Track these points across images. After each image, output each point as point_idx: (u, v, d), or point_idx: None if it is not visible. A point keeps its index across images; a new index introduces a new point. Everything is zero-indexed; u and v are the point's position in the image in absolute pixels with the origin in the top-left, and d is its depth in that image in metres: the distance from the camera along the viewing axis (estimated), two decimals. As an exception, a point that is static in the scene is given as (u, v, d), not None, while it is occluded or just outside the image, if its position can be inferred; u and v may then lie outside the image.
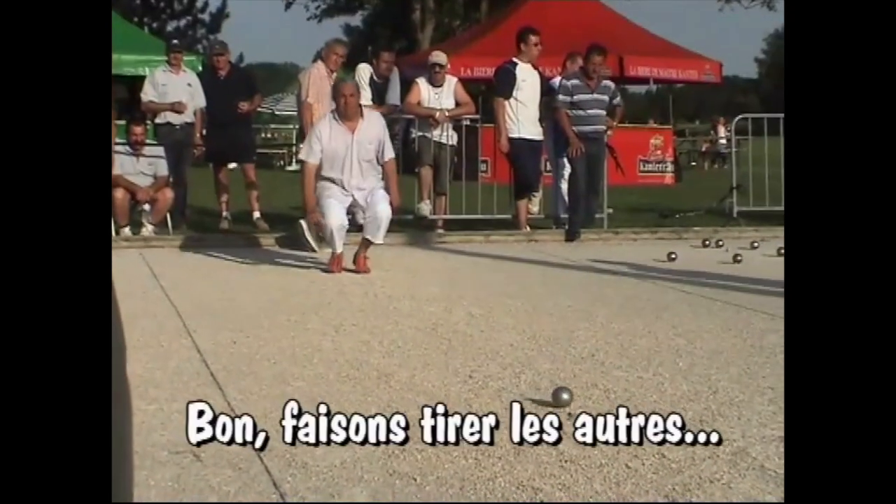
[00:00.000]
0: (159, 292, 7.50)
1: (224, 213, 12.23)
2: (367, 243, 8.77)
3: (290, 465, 3.61)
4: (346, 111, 8.72)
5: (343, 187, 8.73)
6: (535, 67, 11.97)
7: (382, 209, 8.67)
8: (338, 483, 3.36)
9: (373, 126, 8.91)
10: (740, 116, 14.96)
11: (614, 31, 21.54)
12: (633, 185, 18.94)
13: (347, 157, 8.71)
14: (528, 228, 12.00)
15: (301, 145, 10.28)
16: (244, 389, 4.71)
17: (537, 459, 3.70)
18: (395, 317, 6.67)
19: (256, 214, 12.12)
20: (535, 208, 12.79)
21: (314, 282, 8.25)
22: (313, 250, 8.96)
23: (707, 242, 11.05)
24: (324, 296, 7.54)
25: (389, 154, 9.03)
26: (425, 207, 11.85)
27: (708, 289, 7.89)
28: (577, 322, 6.46)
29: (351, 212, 8.77)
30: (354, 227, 8.89)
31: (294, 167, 25.77)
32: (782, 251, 10.02)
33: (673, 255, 9.61)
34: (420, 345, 5.77)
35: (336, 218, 8.51)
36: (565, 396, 4.39)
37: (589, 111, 11.55)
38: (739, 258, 9.54)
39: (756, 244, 10.86)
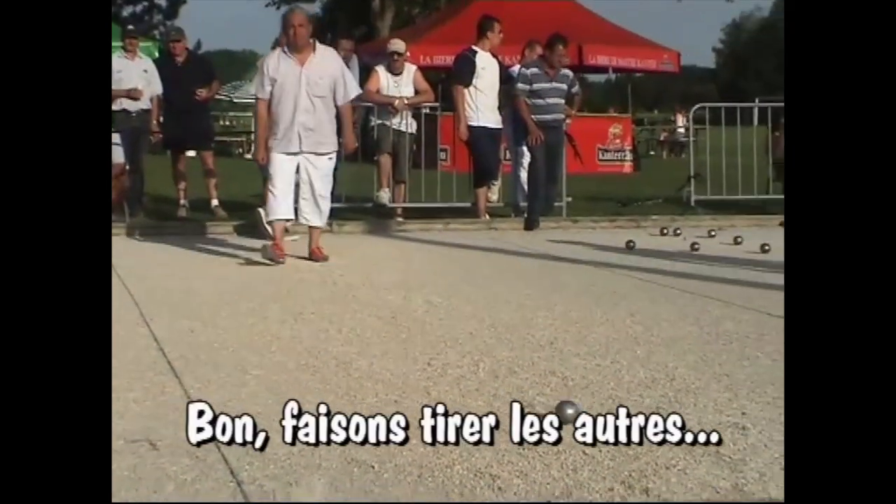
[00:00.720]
0: (115, 280, 7.46)
1: (182, 201, 12.16)
2: (313, 231, 8.69)
3: (248, 454, 3.59)
4: (295, 42, 8.34)
5: (292, 126, 8.38)
6: (495, 56, 11.98)
7: (317, 186, 8.53)
8: (296, 471, 3.36)
9: (326, 61, 8.55)
10: (698, 106, 15.05)
11: (572, 19, 21.60)
12: (592, 173, 19.03)
13: (298, 90, 8.34)
14: (488, 216, 12.02)
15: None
16: (202, 378, 4.70)
17: (495, 447, 3.71)
18: (354, 305, 6.67)
19: (215, 202, 12.08)
20: (494, 196, 12.80)
21: (273, 270, 8.22)
22: (272, 238, 8.91)
23: (665, 231, 11.12)
24: (283, 284, 7.53)
25: (349, 94, 8.64)
26: (384, 196, 11.84)
27: (665, 277, 7.93)
28: (535, 310, 6.48)
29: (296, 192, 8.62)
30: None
31: (251, 156, 25.72)
32: (739, 240, 10.10)
33: (631, 244, 9.66)
34: (379, 333, 5.77)
35: (282, 208, 8.49)
36: (570, 412, 4.13)
37: (548, 100, 11.58)
38: (697, 246, 9.60)
39: (713, 233, 10.94)
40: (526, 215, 11.80)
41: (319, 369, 4.90)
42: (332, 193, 11.92)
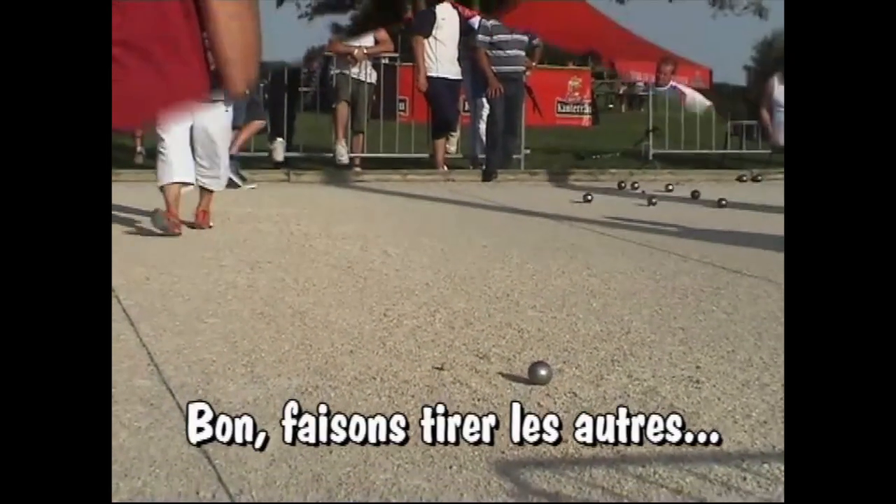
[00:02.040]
0: (70, 227, 7.38)
1: (138, 148, 12.06)
2: (204, 194, 7.70)
3: (197, 393, 3.59)
4: None
5: None
6: (455, 7, 11.92)
7: (218, 152, 7.53)
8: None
9: None
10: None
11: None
12: (551, 126, 19.00)
13: None
14: (446, 168, 12.00)
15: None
16: (158, 326, 4.66)
17: (450, 397, 3.72)
18: (311, 255, 6.64)
19: None
20: (452, 148, 12.79)
21: (229, 219, 8.16)
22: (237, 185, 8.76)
23: (623, 185, 11.15)
24: (238, 233, 7.48)
25: None
26: (342, 151, 11.78)
27: (623, 230, 7.96)
28: (492, 262, 6.48)
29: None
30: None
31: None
32: (696, 194, 10.14)
33: (589, 197, 9.69)
34: (335, 283, 5.75)
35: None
36: (542, 373, 4.14)
37: (508, 51, 11.55)
38: (654, 201, 9.63)
39: (671, 187, 10.98)
40: (484, 167, 11.79)
41: (275, 318, 4.89)
42: (289, 142, 11.88)
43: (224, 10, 1.93)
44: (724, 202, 9.44)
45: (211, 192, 7.67)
